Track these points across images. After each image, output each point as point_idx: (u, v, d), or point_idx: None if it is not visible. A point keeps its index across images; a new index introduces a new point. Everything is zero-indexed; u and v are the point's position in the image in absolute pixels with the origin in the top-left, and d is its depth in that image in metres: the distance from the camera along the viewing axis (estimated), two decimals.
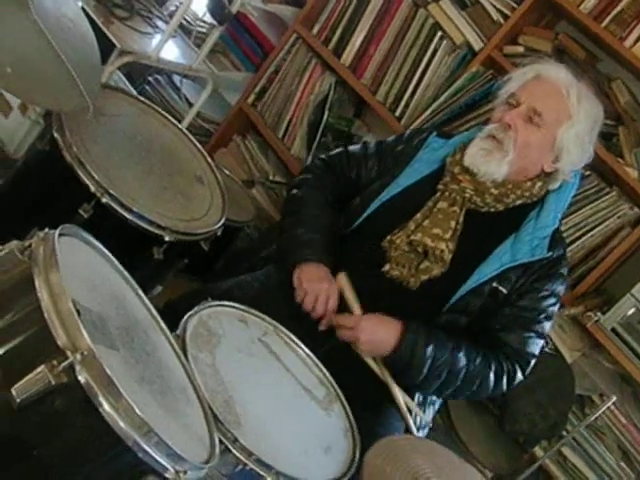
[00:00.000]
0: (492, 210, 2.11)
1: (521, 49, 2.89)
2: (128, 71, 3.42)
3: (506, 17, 2.89)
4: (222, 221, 2.10)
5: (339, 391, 1.93)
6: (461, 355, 2.00)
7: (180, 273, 2.44)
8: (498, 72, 2.84)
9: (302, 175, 2.33)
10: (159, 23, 3.31)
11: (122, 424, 1.08)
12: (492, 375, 2.03)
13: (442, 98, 2.96)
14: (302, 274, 2.07)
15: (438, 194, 2.12)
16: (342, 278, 2.07)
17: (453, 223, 2.07)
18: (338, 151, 2.37)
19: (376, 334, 1.98)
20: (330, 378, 1.95)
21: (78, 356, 1.02)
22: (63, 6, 1.95)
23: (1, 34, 1.57)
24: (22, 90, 1.59)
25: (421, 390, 2.13)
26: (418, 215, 2.10)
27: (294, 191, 2.28)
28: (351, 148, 2.35)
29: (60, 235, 1.21)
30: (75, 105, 1.70)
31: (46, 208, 1.94)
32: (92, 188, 1.82)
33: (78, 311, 1.07)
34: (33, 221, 1.87)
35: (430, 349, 1.97)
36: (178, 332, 1.60)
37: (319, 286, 2.03)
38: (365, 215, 2.17)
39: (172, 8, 3.59)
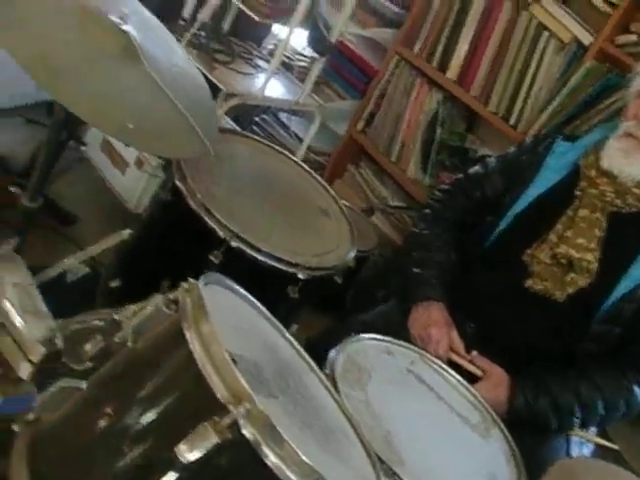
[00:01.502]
0: (634, 210, 1.99)
1: (634, 37, 2.74)
2: (235, 114, 3.43)
3: (614, 6, 2.76)
4: (354, 252, 2.04)
5: (494, 415, 1.85)
6: (589, 387, 1.92)
7: (313, 308, 2.40)
8: (614, 64, 2.72)
9: (422, 211, 2.33)
10: (260, 62, 3.33)
11: (291, 475, 1.02)
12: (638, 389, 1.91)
13: (557, 99, 2.85)
14: (413, 317, 2.08)
15: (576, 201, 2.01)
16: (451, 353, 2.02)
17: (597, 231, 1.97)
18: (458, 176, 2.33)
19: (488, 401, 1.90)
20: (483, 402, 1.87)
21: (242, 410, 0.97)
22: (172, 55, 1.95)
23: (119, 91, 1.57)
24: (144, 143, 1.58)
25: (563, 430, 2.02)
26: (559, 226, 2.01)
27: (413, 229, 2.29)
28: (470, 170, 2.30)
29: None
30: (197, 151, 1.68)
31: (177, 258, 1.93)
32: (221, 233, 1.79)
33: (234, 360, 1.02)
34: (165, 272, 1.87)
35: (546, 400, 1.91)
36: (327, 371, 1.55)
37: (426, 332, 2.01)
38: (499, 230, 2.11)
39: (270, 47, 3.61)
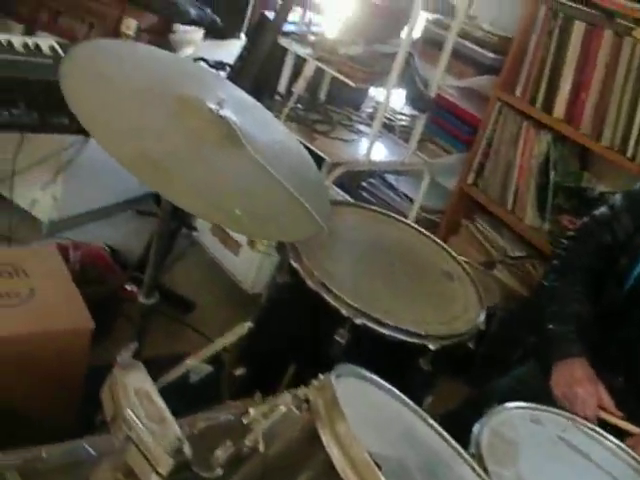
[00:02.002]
0: None
1: None
2: (341, 181, 3.39)
3: None
4: (484, 314, 1.92)
5: None
6: None
7: (445, 377, 2.28)
8: None
9: (551, 262, 2.23)
10: (361, 127, 3.30)
11: None
12: None
13: None
14: (555, 377, 1.95)
15: None
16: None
17: None
18: (584, 221, 2.19)
19: None
20: None
21: None
22: (272, 133, 1.92)
23: (223, 178, 1.53)
24: (255, 228, 1.53)
25: None
26: None
27: (542, 282, 2.19)
28: (596, 212, 2.15)
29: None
30: (310, 231, 1.62)
31: (301, 341, 1.86)
32: (344, 312, 1.71)
33: (377, 464, 0.92)
34: (290, 357, 1.81)
35: None
36: (473, 450, 1.43)
37: (571, 392, 1.88)
38: (638, 272, 1.95)
39: (369, 110, 3.57)
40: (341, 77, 2.93)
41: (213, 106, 1.63)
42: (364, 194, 3.59)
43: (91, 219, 3.39)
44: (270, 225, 1.56)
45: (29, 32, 2.93)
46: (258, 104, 2.03)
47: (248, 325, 1.39)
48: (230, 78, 3.36)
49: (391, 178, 3.61)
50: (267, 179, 1.59)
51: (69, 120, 2.15)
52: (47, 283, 2.09)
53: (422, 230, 2.22)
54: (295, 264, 1.79)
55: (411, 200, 3.40)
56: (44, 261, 2.19)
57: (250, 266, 3.09)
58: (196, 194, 1.43)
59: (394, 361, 1.76)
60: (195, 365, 1.39)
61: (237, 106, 1.78)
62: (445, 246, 2.19)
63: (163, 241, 1.98)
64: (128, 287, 1.83)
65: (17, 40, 2.44)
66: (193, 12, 2.97)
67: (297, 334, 1.88)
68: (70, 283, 2.12)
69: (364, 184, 3.62)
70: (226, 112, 1.63)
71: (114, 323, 2.66)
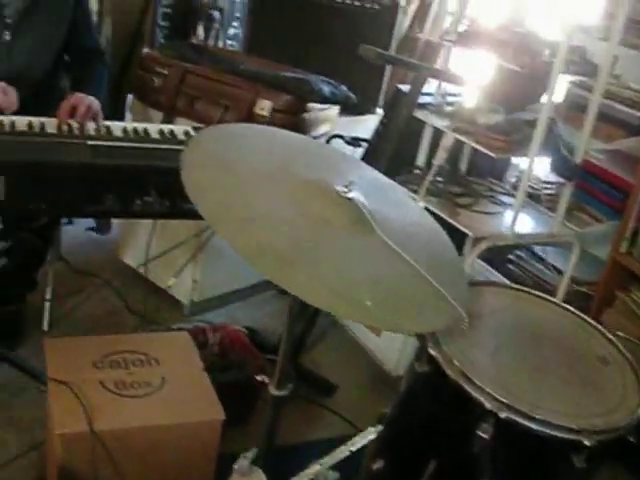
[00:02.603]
0: None
1: None
2: (486, 256, 3.25)
3: None
4: None
5: None
6: None
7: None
8: None
9: None
10: (504, 198, 3.16)
11: None
12: None
13: None
14: None
15: None
16: None
17: None
18: None
19: None
20: None
21: None
22: (406, 213, 1.82)
23: (351, 266, 1.44)
24: (385, 320, 1.42)
25: None
26: None
27: None
28: None
29: None
30: (447, 320, 1.50)
31: (442, 435, 1.73)
32: (487, 404, 1.57)
33: None
34: (431, 451, 1.70)
35: None
36: None
37: None
38: None
39: (512, 179, 3.44)
40: (481, 148, 2.82)
41: (341, 189, 1.56)
42: (512, 267, 3.42)
43: (231, 300, 3.39)
44: (403, 316, 1.44)
45: (168, 119, 2.99)
46: (392, 183, 1.95)
47: (374, 430, 1.28)
48: (367, 154, 3.33)
49: (539, 249, 3.43)
50: (400, 265, 1.49)
51: None
52: (179, 372, 2.07)
53: (571, 309, 2.05)
54: (433, 352, 1.68)
55: (560, 272, 3.21)
56: (176, 349, 2.17)
57: (392, 347, 2.98)
58: (322, 286, 1.35)
59: (544, 459, 1.60)
60: (323, 472, 1.29)
61: (368, 187, 1.71)
62: (598, 326, 2.01)
63: (298, 325, 1.92)
64: (259, 377, 1.75)
65: (153, 128, 2.48)
66: (327, 90, 2.94)
67: (437, 427, 1.75)
68: (202, 372, 2.09)
69: (511, 257, 3.46)
70: (355, 194, 1.55)
71: (252, 407, 2.62)
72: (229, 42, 4.23)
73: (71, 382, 1.95)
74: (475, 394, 1.60)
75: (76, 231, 3.65)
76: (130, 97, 3.54)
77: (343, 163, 1.90)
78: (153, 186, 2.08)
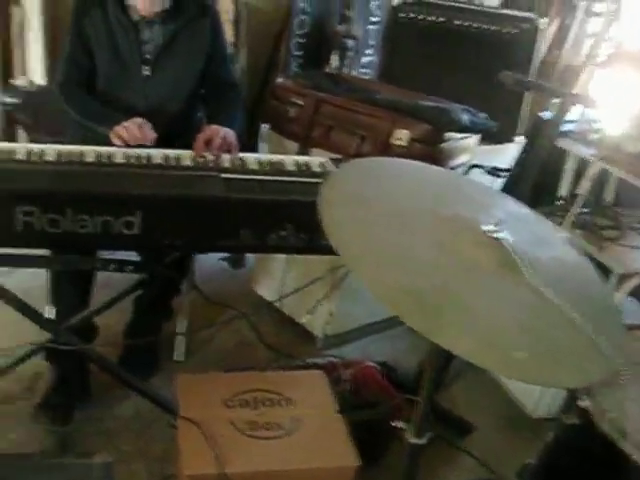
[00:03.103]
0: None
1: None
2: (635, 293, 3.06)
3: None
4: None
5: None
6: None
7: None
8: None
9: None
10: None
11: None
12: None
13: None
14: None
15: None
16: None
17: None
18: None
19: None
20: None
21: None
22: (553, 249, 1.70)
23: (499, 313, 1.34)
24: (536, 374, 1.30)
25: None
26: None
27: None
28: None
29: None
30: (604, 373, 1.37)
31: None
32: None
33: None
34: None
35: None
36: None
37: None
38: None
39: None
40: (629, 178, 2.66)
41: (487, 228, 1.46)
42: None
43: (364, 334, 3.32)
44: (558, 369, 1.32)
45: (304, 149, 2.96)
46: (535, 215, 1.83)
47: None
48: (507, 184, 3.20)
49: None
50: (552, 311, 1.37)
51: None
52: (312, 414, 2.01)
53: None
54: (585, 404, 1.55)
55: None
56: (311, 389, 2.11)
57: (533, 387, 2.83)
58: (468, 335, 1.25)
59: None
60: None
61: (513, 222, 1.60)
62: None
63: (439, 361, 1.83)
64: (394, 423, 1.67)
65: (288, 160, 2.44)
66: (466, 119, 2.84)
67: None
68: (337, 415, 2.01)
69: None
70: (502, 235, 1.45)
71: (386, 448, 2.53)
72: (363, 70, 4.18)
73: (202, 421, 1.92)
74: (631, 452, 1.47)
75: (210, 260, 3.67)
76: (264, 126, 3.55)
77: (486, 197, 1.80)
78: (289, 220, 2.04)
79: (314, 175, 2.28)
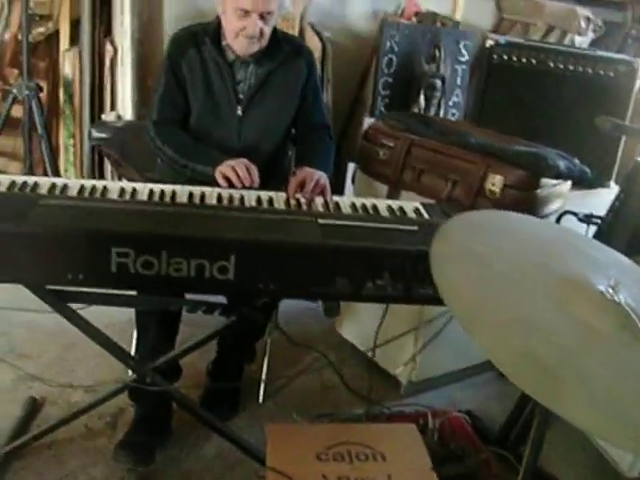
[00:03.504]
0: None
1: None
2: None
3: None
4: None
5: None
6: None
7: None
8: None
9: None
10: None
11: None
12: None
13: None
14: None
15: None
16: None
17: None
18: None
19: None
20: None
21: None
22: None
23: (622, 384, 1.26)
24: None
25: None
26: None
27: None
28: None
29: None
30: None
31: None
32: None
33: None
34: None
35: None
36: None
37: None
38: None
39: None
40: None
41: (605, 289, 1.38)
42: None
43: (449, 380, 3.23)
44: None
45: (394, 192, 2.91)
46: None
47: None
48: (601, 232, 3.09)
49: None
50: None
51: (434, 292, 2.01)
52: (405, 470, 1.93)
53: None
54: None
55: None
56: (403, 443, 2.05)
57: None
58: (590, 405, 1.18)
59: None
60: None
61: (628, 281, 1.52)
62: None
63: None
64: None
65: (382, 205, 2.40)
66: (562, 165, 2.75)
67: None
68: (430, 471, 1.94)
69: None
70: (622, 296, 1.37)
71: None
72: (450, 110, 4.14)
73: (293, 475, 1.86)
74: None
75: (291, 300, 3.64)
76: (351, 164, 3.53)
77: (595, 250, 1.72)
78: (387, 269, 1.98)
79: (410, 222, 2.23)
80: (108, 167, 4.15)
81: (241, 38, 2.53)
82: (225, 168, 2.41)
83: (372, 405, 2.90)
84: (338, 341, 3.40)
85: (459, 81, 4.14)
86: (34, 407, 2.81)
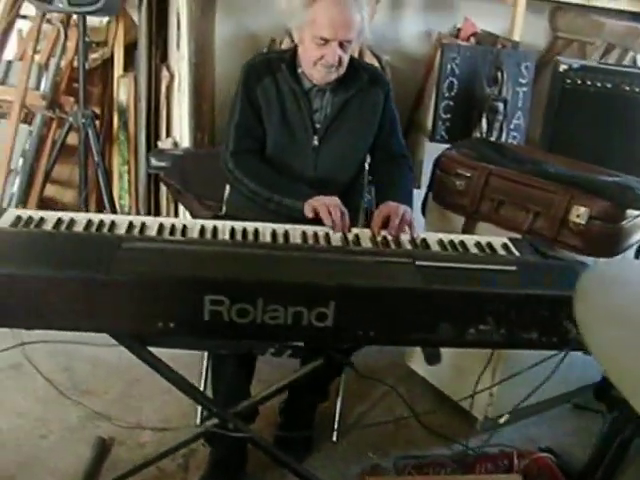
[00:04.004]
0: None
1: None
2: None
3: None
4: None
5: None
6: None
7: None
8: None
9: None
10: None
11: None
12: None
13: None
14: None
15: None
16: None
17: None
18: None
19: None
20: None
21: None
22: None
23: None
24: None
25: None
26: None
27: None
28: None
29: None
30: None
31: None
32: None
33: None
34: None
35: None
36: None
37: None
38: None
39: None
40: None
41: None
42: None
43: (525, 416, 3.13)
44: None
45: (470, 223, 2.82)
46: None
47: None
48: None
49: None
50: None
51: (539, 336, 1.92)
52: None
53: None
54: None
55: None
56: None
57: None
58: None
59: None
60: None
61: None
62: None
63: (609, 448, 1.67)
64: None
65: (469, 240, 2.32)
66: None
67: None
68: None
69: None
70: None
71: None
72: (512, 134, 4.04)
73: None
74: None
75: None
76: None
77: None
78: (491, 313, 1.89)
79: (506, 261, 2.13)
80: (164, 195, 4.08)
81: (319, 66, 2.46)
82: (320, 207, 2.33)
83: (446, 441, 2.82)
84: (406, 372, 3.31)
85: (520, 103, 4.04)
86: (103, 448, 2.74)
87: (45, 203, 4.02)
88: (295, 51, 2.56)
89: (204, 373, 2.83)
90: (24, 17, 3.92)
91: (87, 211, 3.93)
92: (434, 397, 3.17)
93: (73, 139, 3.90)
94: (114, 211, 3.85)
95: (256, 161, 2.56)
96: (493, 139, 3.91)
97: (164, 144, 3.90)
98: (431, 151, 3.68)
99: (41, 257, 1.86)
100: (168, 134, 4.00)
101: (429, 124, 4.16)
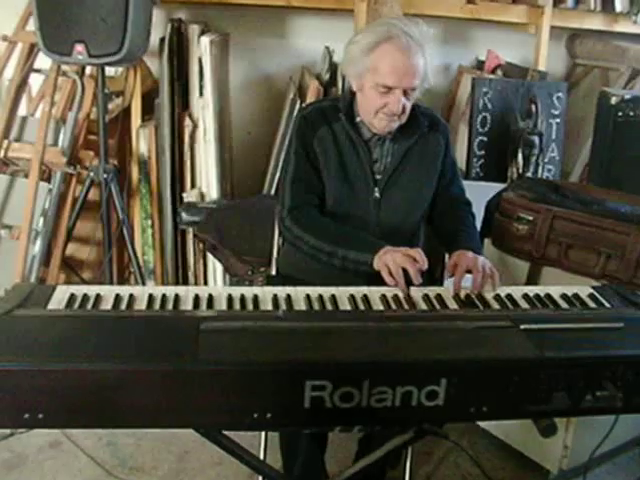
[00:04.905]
0: None
1: None
2: None
3: None
4: None
5: None
6: None
7: None
8: None
9: None
10: None
11: None
12: None
13: None
14: None
15: None
16: None
17: None
18: None
19: None
20: None
21: None
22: None
23: None
24: None
25: None
26: None
27: None
28: None
29: None
30: None
31: None
32: None
33: None
34: None
35: None
36: None
37: None
38: None
39: None
40: None
41: None
42: None
43: (599, 463, 2.98)
44: None
45: (535, 269, 2.70)
46: None
47: None
48: None
49: None
50: None
51: None
52: None
53: None
54: None
55: None
56: None
57: None
58: None
59: None
60: None
61: None
62: None
63: None
64: None
65: (554, 293, 2.18)
66: None
67: None
68: None
69: None
70: None
71: None
72: (547, 167, 3.93)
73: None
74: None
75: None
76: None
77: None
78: (607, 378, 1.74)
79: (607, 317, 1.98)
80: (191, 249, 3.90)
81: (381, 115, 2.33)
82: (390, 262, 2.17)
83: None
84: (466, 425, 3.15)
85: (554, 135, 3.93)
86: None
87: (67, 263, 3.84)
88: (352, 99, 2.43)
89: (263, 443, 2.65)
90: (37, 71, 3.75)
91: (111, 269, 3.77)
92: (498, 450, 3.02)
93: (92, 194, 3.73)
94: (139, 268, 3.68)
95: (316, 215, 2.41)
96: (529, 174, 3.79)
97: (190, 196, 3.74)
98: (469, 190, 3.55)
99: (111, 347, 1.69)
100: (193, 185, 3.85)
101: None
